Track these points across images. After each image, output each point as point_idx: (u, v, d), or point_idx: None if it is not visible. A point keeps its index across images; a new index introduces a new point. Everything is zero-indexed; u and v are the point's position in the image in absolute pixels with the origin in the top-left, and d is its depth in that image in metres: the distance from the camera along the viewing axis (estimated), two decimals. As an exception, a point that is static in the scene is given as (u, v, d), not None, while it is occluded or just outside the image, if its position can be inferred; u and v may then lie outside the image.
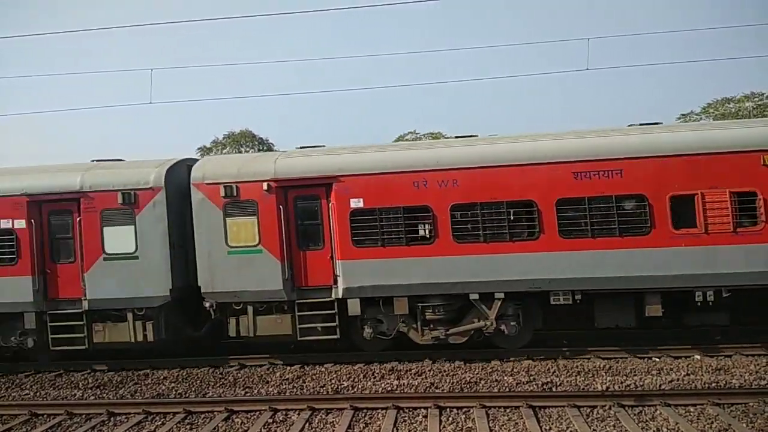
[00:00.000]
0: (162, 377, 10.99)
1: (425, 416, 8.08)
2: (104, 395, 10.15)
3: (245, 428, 8.10)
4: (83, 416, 8.97)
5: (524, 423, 7.59)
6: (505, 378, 9.55)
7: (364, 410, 8.44)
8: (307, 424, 8.08)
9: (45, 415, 9.10)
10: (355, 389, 9.55)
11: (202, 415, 8.70)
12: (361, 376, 10.26)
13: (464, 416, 8.00)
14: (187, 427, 8.32)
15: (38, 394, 10.50)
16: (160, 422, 8.59)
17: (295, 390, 9.73)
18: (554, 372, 9.81)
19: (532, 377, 9.52)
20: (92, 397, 10.02)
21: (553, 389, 9.02)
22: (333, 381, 10.05)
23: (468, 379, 9.57)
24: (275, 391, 9.69)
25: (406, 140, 41.39)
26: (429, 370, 10.24)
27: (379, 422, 8.01)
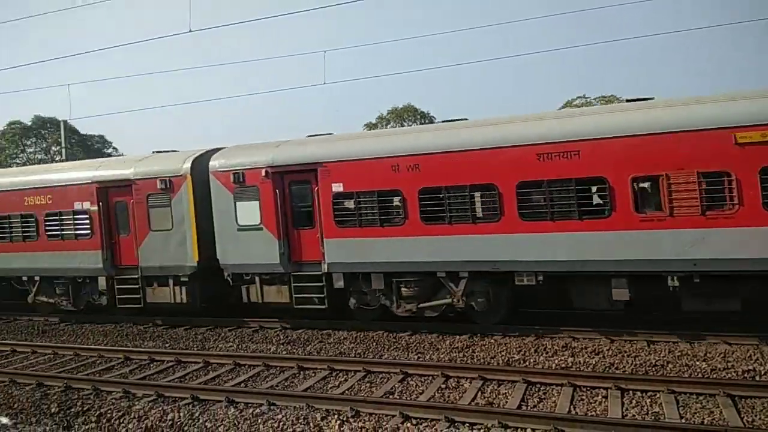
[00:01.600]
0: (342, 337, 11.84)
1: (605, 396, 7.73)
2: (294, 351, 11.20)
3: (420, 390, 8.43)
4: (278, 368, 10.01)
5: (721, 412, 6.92)
6: (697, 363, 8.75)
7: (538, 385, 8.31)
8: (479, 393, 8.19)
9: (246, 366, 10.32)
10: (527, 363, 9.43)
11: (380, 375, 9.23)
12: (533, 350, 10.11)
13: (649, 400, 7.51)
14: (367, 384, 8.89)
15: (240, 346, 11.92)
16: (342, 378, 9.28)
17: (465, 359, 9.88)
18: (757, 359, 8.76)
19: (729, 364, 8.61)
20: (284, 352, 11.10)
21: (756, 378, 8.08)
22: (503, 353, 10.03)
23: (653, 361, 8.94)
24: (446, 358, 9.93)
25: (575, 106, 39.17)
26: (607, 350, 9.75)
27: (554, 398, 7.84)
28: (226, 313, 14.23)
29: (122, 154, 48.46)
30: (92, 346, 12.29)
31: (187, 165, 13.64)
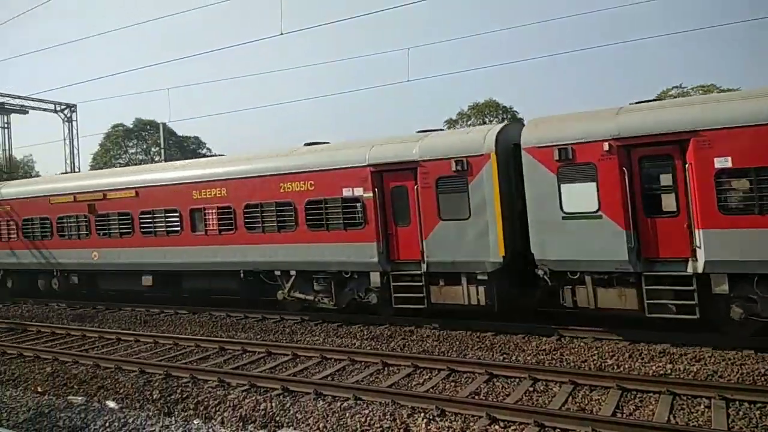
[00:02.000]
0: (425, 335, 11.84)
1: (707, 406, 7.25)
2: (378, 347, 11.33)
3: (506, 393, 8.28)
4: (362, 363, 10.16)
5: None
6: (815, 375, 8.02)
7: (633, 392, 7.93)
8: (570, 398, 7.92)
9: (332, 359, 10.55)
10: (621, 369, 9.02)
11: (464, 375, 9.15)
12: (627, 355, 9.65)
13: (759, 412, 6.96)
14: (452, 383, 8.83)
15: (326, 341, 12.21)
16: (427, 376, 9.28)
17: (554, 362, 9.60)
18: None
19: None
20: (368, 348, 11.25)
21: None
22: (595, 357, 9.64)
23: (762, 370, 8.29)
24: (533, 360, 9.69)
25: (670, 96, 36.99)
26: (709, 357, 9.14)
27: (651, 406, 7.45)
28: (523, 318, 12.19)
29: (215, 154, 50.93)
30: (190, 336, 13.01)
31: (490, 141, 11.40)
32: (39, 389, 9.66)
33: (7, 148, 41.76)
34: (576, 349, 10.17)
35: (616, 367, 9.14)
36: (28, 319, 16.73)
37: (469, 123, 48.38)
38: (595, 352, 9.92)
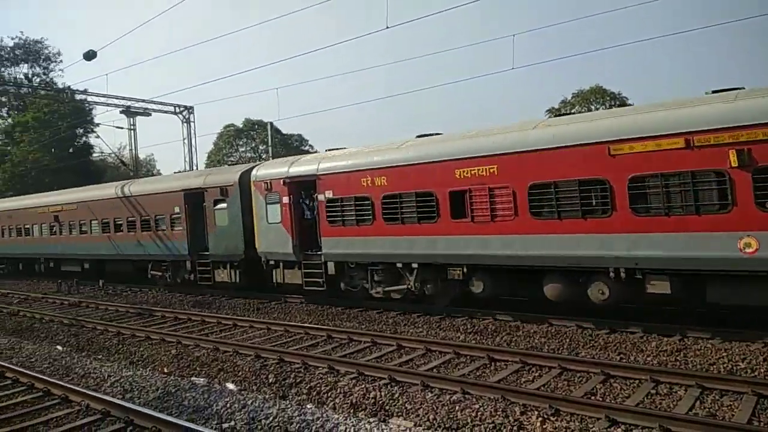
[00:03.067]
0: (532, 331, 11.49)
1: None
2: (483, 341, 11.14)
3: (626, 394, 7.83)
4: (468, 357, 10.03)
5: None
6: None
7: (772, 399, 7.22)
8: (697, 402, 7.35)
9: (437, 352, 10.51)
10: (756, 373, 8.24)
11: (578, 374, 8.76)
12: (761, 359, 8.81)
13: None
14: (564, 382, 8.49)
15: (429, 333, 12.20)
16: (537, 374, 8.98)
17: (677, 363, 8.95)
18: None
19: None
20: (473, 342, 11.10)
21: None
22: (724, 360, 8.88)
23: None
24: (654, 362, 9.09)
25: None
26: None
27: (795, 416, 6.74)
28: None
29: (317, 151, 52.56)
30: (299, 324, 13.52)
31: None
32: (165, 370, 10.44)
33: (133, 148, 45.64)
34: (701, 351, 9.43)
35: (749, 371, 8.38)
36: (153, 305, 18.15)
37: (573, 111, 46.38)
38: (724, 354, 9.14)
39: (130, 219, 22.07)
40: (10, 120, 55.13)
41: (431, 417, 7.33)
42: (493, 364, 9.62)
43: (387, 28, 16.48)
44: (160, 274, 21.19)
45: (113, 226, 22.84)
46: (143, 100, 40.76)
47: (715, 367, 8.63)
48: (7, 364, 10.79)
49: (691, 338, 10.13)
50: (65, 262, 26.44)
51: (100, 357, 11.81)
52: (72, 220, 25.33)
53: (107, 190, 24.36)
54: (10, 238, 29.93)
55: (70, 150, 50.48)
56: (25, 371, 10.19)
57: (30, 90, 52.26)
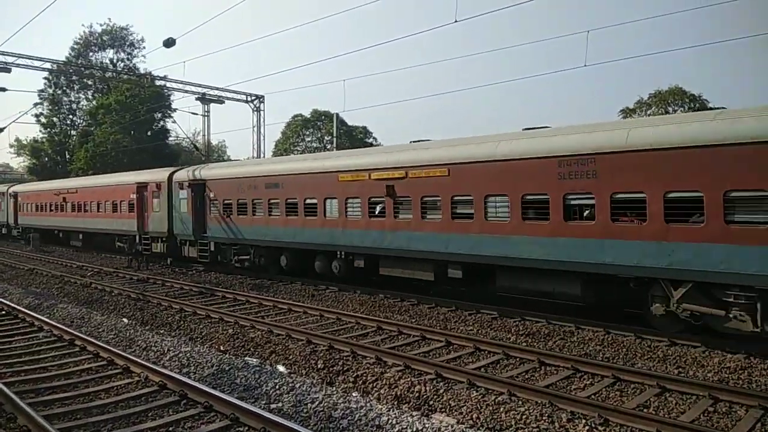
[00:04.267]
0: (587, 338, 11.18)
1: None
2: (534, 344, 10.94)
3: (680, 410, 7.50)
4: (517, 359, 9.88)
5: None
6: None
7: (844, 428, 6.74)
8: (758, 424, 6.95)
9: (486, 351, 10.40)
10: (829, 400, 7.69)
11: (632, 385, 8.46)
12: (836, 385, 8.23)
13: None
14: (617, 393, 8.23)
15: (479, 332, 12.09)
16: (588, 381, 8.75)
17: (740, 382, 8.48)
18: None
19: None
20: (524, 344, 10.92)
21: None
22: (794, 383, 8.35)
23: None
24: (715, 378, 8.66)
25: None
26: None
27: None
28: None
29: (381, 144, 52.88)
30: (351, 313, 13.72)
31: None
32: (222, 348, 10.86)
33: (206, 134, 47.43)
34: (769, 371, 8.90)
35: (822, 397, 7.82)
36: (215, 285, 18.89)
37: (649, 112, 44.44)
38: (795, 377, 8.59)
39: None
40: (94, 102, 58.46)
41: (474, 416, 7.29)
42: (543, 368, 9.44)
43: (456, 21, 16.36)
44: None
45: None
46: (218, 88, 42.35)
47: (783, 388, 8.13)
48: (76, 333, 11.52)
49: (758, 357, 9.57)
50: None
51: (161, 332, 12.41)
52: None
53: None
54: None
55: (148, 133, 53.07)
56: (92, 340, 10.85)
57: (114, 74, 55.23)
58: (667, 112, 42.76)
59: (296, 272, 19.31)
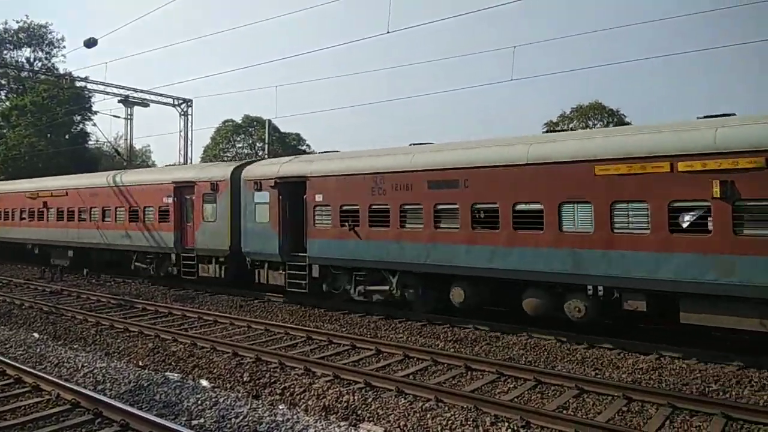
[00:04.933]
0: (511, 342, 11.50)
1: (832, 449, 6.47)
2: (462, 350, 11.13)
3: (597, 410, 7.83)
4: (445, 365, 10.02)
5: None
6: None
7: (740, 421, 7.25)
8: (667, 422, 7.36)
9: (415, 358, 10.49)
10: (728, 395, 8.27)
11: (552, 387, 8.76)
12: (734, 381, 8.86)
13: None
14: (538, 395, 8.49)
15: (409, 339, 12.18)
16: (512, 385, 8.98)
17: (652, 382, 8.97)
18: None
19: None
20: (452, 350, 11.09)
21: None
22: (698, 381, 8.91)
23: None
24: (629, 379, 9.11)
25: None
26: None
27: (762, 441, 6.77)
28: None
29: (314, 151, 52.56)
30: (280, 323, 13.47)
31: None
32: (140, 363, 10.37)
33: (128, 138, 45.46)
34: (677, 371, 9.47)
35: (721, 393, 8.41)
36: (135, 296, 18.06)
37: (571, 126, 46.56)
38: (698, 375, 9.18)
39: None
40: (8, 103, 54.84)
41: (402, 423, 7.31)
42: (469, 373, 9.62)
43: (388, 32, 16.52)
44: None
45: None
46: (142, 91, 40.68)
47: (688, 387, 8.65)
48: (-19, 349, 10.69)
49: (668, 357, 10.17)
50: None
51: (75, 347, 11.71)
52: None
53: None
54: None
55: (66, 136, 50.27)
56: (-2, 357, 10.10)
57: (30, 74, 52.08)
58: (587, 126, 44.99)
59: (473, 311, 13.30)
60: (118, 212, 21.69)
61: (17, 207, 27.71)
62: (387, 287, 14.22)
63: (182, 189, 19.08)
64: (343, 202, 14.68)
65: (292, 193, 15.99)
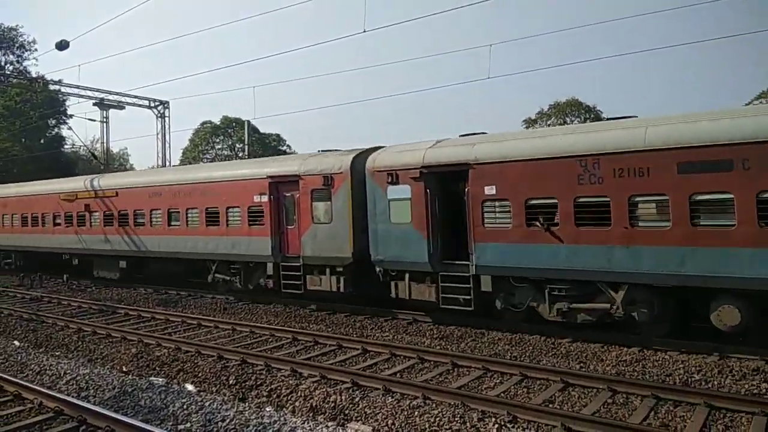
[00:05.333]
0: (497, 338, 11.57)
1: (810, 433, 6.62)
2: (448, 346, 11.18)
3: (583, 403, 7.92)
4: (432, 363, 10.05)
5: None
6: None
7: (723, 410, 7.38)
8: (651, 413, 7.47)
9: (401, 357, 10.50)
10: (710, 385, 8.42)
11: (538, 381, 8.84)
12: (716, 371, 9.01)
13: None
14: (524, 390, 8.56)
15: (395, 337, 12.19)
16: (498, 380, 9.04)
17: (635, 374, 9.09)
18: None
19: None
20: (438, 347, 11.13)
21: None
22: (680, 371, 9.05)
23: None
24: (613, 371, 9.22)
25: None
26: (812, 378, 8.36)
27: (743, 427, 6.91)
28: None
29: (294, 152, 52.36)
30: (265, 325, 13.39)
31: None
32: (124, 369, 10.23)
33: (104, 141, 44.82)
34: (660, 362, 9.61)
35: (703, 383, 8.55)
36: (117, 302, 17.81)
37: (549, 123, 47.05)
38: (681, 366, 9.32)
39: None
40: (-22, 108, 53.69)
41: (390, 422, 7.32)
42: (456, 369, 9.66)
43: (364, 31, 16.47)
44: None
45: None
46: (118, 93, 40.12)
47: (671, 378, 8.79)
48: (-42, 359, 10.48)
49: (651, 349, 10.31)
50: None
51: (57, 354, 11.52)
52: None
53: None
54: None
55: (41, 141, 49.41)
56: (-23, 367, 9.91)
57: (1, 78, 51.04)
58: (565, 122, 45.50)
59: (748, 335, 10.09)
60: (189, 215, 17.72)
61: (49, 211, 23.45)
62: (605, 304, 10.81)
63: (281, 185, 15.45)
64: (531, 194, 11.27)
65: (443, 185, 12.77)
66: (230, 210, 16.64)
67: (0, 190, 27.44)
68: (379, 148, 14.45)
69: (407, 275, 13.12)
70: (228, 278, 17.29)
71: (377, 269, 13.66)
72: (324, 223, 14.56)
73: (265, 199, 15.62)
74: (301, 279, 15.04)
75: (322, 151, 15.99)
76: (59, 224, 22.93)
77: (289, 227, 15.33)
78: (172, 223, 18.32)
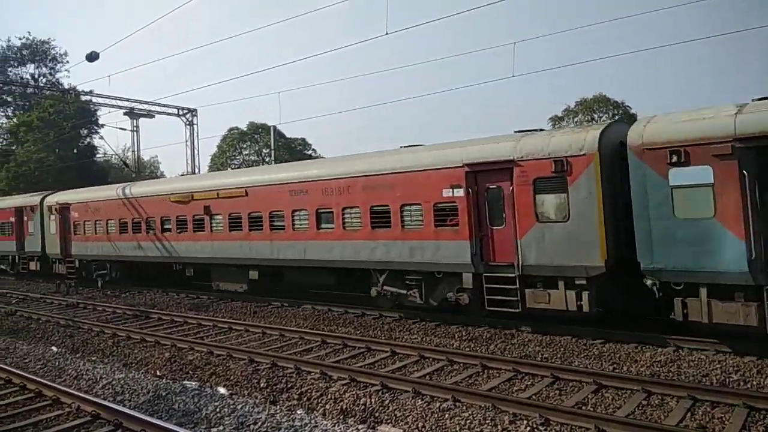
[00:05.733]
0: (527, 339, 11.45)
1: None
2: (477, 348, 11.10)
3: (617, 405, 7.78)
4: (461, 365, 9.99)
5: None
6: None
7: (763, 411, 7.17)
8: (688, 414, 7.30)
9: (430, 359, 10.47)
10: (749, 386, 8.19)
11: (570, 383, 8.72)
12: (755, 371, 8.78)
13: None
14: (556, 392, 8.45)
15: (424, 339, 12.16)
16: (529, 382, 8.94)
17: (670, 374, 8.90)
18: None
19: None
20: (467, 349, 11.06)
21: None
22: (717, 371, 8.83)
23: None
24: (647, 372, 9.04)
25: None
26: None
27: (786, 430, 6.70)
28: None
29: (320, 156, 52.68)
30: (294, 328, 13.50)
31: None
32: (158, 373, 10.43)
33: (136, 149, 45.78)
34: (695, 362, 9.39)
35: (742, 383, 8.33)
36: (150, 307, 18.16)
37: (576, 120, 46.38)
38: (718, 366, 9.09)
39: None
40: (15, 120, 55.40)
41: (420, 425, 7.31)
42: (485, 371, 9.59)
43: (387, 34, 16.51)
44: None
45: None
46: (147, 102, 40.96)
47: (708, 378, 8.58)
48: (0, 365, 10.79)
49: (686, 349, 10.08)
50: None
51: (93, 359, 11.80)
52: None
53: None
54: None
55: (74, 150, 50.72)
56: (17, 372, 10.21)
57: (35, 90, 52.57)
58: (593, 119, 44.81)
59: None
60: (345, 215, 14.79)
61: (156, 215, 20.40)
62: None
63: (482, 174, 12.41)
64: None
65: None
66: (406, 208, 13.69)
67: (90, 193, 24.87)
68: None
69: (703, 290, 9.69)
70: (401, 291, 14.23)
71: (649, 282, 10.19)
72: (556, 222, 11.31)
73: (459, 193, 12.57)
74: (517, 294, 11.90)
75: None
76: (169, 229, 19.98)
77: (496, 228, 12.21)
78: (323, 226, 15.38)
